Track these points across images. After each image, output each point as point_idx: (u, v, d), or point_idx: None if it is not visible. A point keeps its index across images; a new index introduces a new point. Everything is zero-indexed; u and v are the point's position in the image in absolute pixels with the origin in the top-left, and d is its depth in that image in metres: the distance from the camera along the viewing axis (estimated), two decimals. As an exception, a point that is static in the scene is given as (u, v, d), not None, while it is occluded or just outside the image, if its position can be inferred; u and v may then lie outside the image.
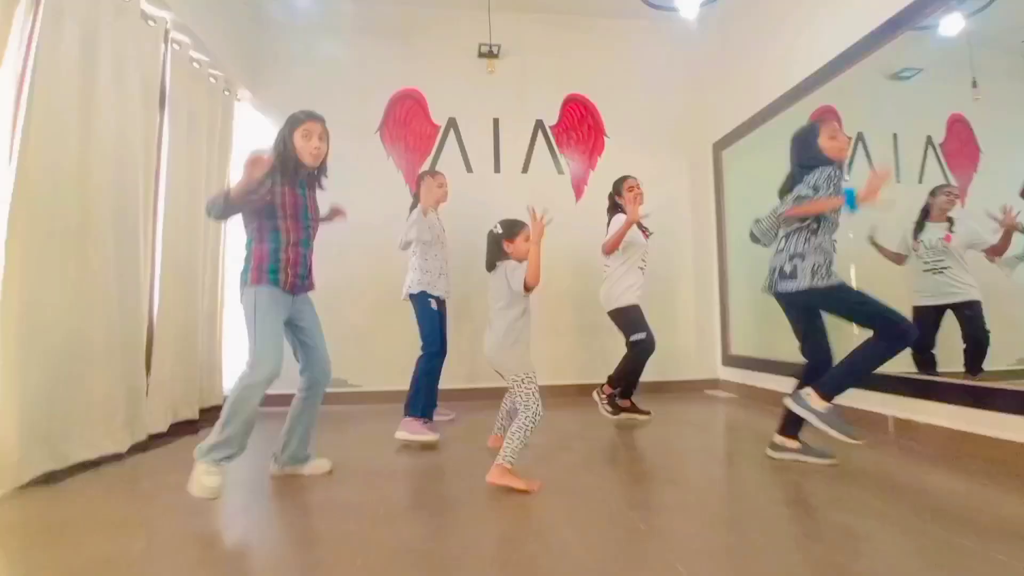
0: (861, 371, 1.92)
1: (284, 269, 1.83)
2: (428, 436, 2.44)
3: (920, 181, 2.56)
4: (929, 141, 2.60)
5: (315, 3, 3.04)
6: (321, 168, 1.97)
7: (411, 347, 2.68)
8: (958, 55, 2.39)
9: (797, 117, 3.02)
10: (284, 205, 1.84)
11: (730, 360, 3.86)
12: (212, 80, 3.23)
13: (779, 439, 2.08)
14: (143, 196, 2.55)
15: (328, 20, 3.76)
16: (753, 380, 3.57)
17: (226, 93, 3.41)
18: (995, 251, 2.24)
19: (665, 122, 4.11)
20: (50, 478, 1.93)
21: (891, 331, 1.87)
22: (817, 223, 1.97)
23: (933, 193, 2.47)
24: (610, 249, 2.84)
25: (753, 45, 3.61)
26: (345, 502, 1.72)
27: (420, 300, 2.64)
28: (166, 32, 2.78)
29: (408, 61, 3.88)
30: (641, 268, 2.91)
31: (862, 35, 2.63)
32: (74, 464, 2.05)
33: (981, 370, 2.26)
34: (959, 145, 2.52)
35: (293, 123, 1.86)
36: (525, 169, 3.95)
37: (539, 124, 3.99)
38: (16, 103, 1.93)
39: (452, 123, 3.89)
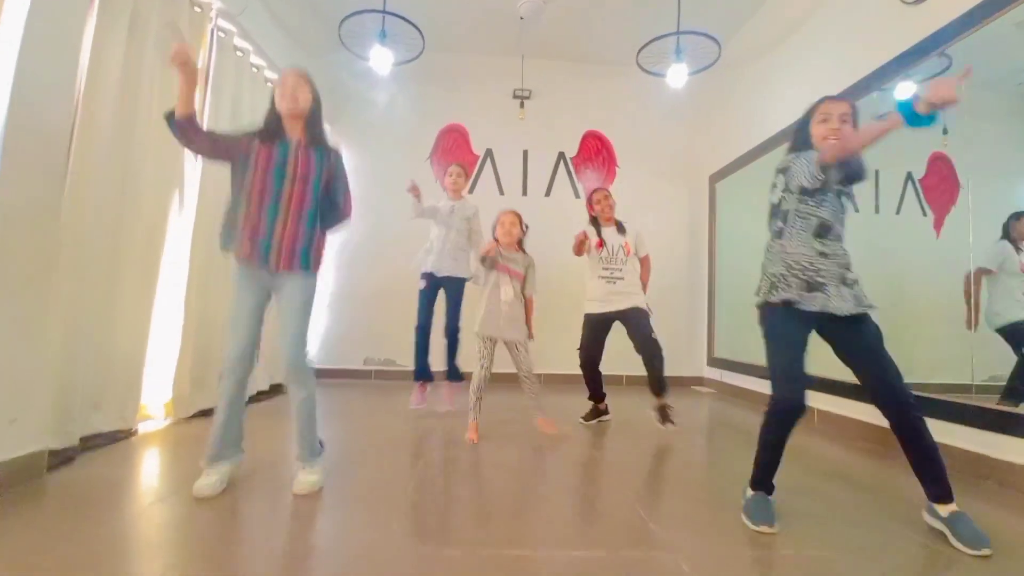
0: (759, 449, 1.61)
1: (241, 238, 1.62)
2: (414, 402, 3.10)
3: (897, 212, 2.92)
4: (909, 177, 3.07)
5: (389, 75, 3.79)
6: (313, 127, 1.72)
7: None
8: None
9: (778, 156, 3.66)
10: (257, 160, 1.63)
11: (713, 361, 4.57)
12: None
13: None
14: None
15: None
16: (731, 379, 4.27)
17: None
18: None
19: (668, 155, 4.84)
20: (204, 414, 2.83)
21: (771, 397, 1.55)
22: (783, 221, 1.62)
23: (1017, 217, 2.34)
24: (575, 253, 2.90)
25: (746, 93, 4.29)
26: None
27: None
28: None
29: (454, 101, 4.71)
30: (603, 278, 2.87)
31: (840, 90, 3.10)
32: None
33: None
34: (938, 180, 3.06)
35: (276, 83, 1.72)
36: (548, 193, 4.73)
37: (561, 155, 4.76)
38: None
39: (489, 153, 4.71)
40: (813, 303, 1.52)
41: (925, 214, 2.89)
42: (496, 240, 2.59)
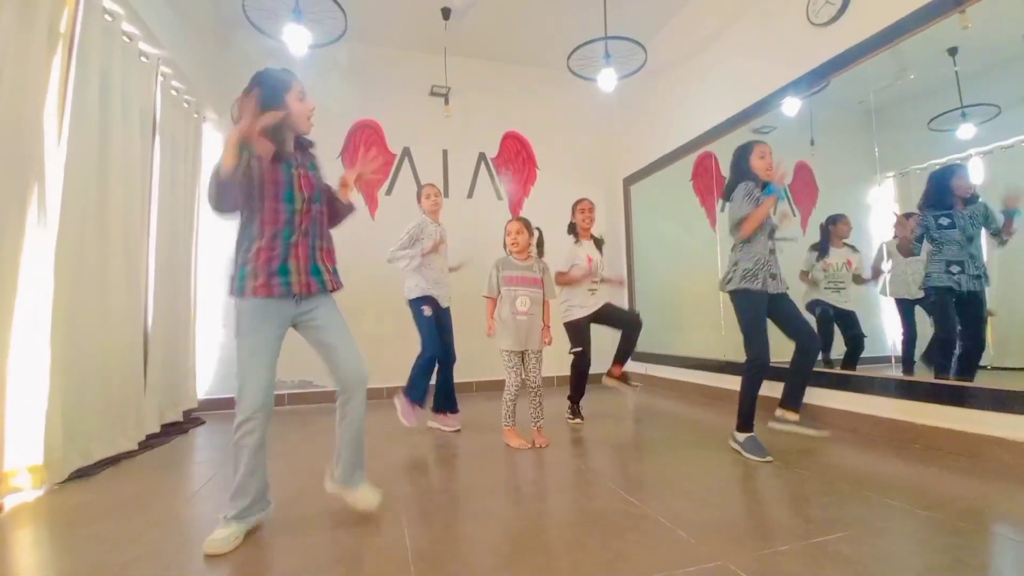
0: (741, 400, 2.22)
1: (255, 273, 1.46)
2: (409, 419, 2.79)
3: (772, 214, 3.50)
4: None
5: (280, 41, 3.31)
6: (301, 140, 1.62)
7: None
8: (803, 118, 3.21)
9: (688, 163, 3.98)
10: (263, 184, 1.47)
11: (637, 356, 4.77)
12: (186, 104, 3.46)
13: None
14: (140, 218, 2.80)
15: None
16: (655, 371, 4.49)
17: (195, 115, 3.63)
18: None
19: (585, 158, 4.96)
20: (82, 473, 2.20)
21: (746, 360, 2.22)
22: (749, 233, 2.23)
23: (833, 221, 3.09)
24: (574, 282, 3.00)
25: (658, 101, 4.54)
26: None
27: (413, 305, 2.86)
28: (157, 67, 3.02)
29: (367, 95, 4.31)
30: (590, 291, 3.02)
31: (737, 110, 3.53)
32: (99, 460, 2.32)
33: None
34: (802, 185, 3.53)
35: (282, 85, 1.51)
36: (470, 195, 4.56)
37: (482, 156, 4.62)
38: (59, 132, 2.14)
39: (407, 152, 4.40)
40: (775, 287, 2.22)
41: (795, 214, 3.40)
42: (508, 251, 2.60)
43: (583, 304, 3.00)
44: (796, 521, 1.53)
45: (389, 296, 3.77)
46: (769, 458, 2.09)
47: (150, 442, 2.74)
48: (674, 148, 4.23)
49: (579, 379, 3.04)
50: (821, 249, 3.13)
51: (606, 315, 3.07)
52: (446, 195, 4.46)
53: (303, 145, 1.61)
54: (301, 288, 1.51)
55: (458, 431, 2.90)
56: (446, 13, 3.90)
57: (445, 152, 4.51)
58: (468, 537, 1.49)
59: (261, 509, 1.55)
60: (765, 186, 2.20)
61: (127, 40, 2.70)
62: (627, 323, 3.08)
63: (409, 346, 2.94)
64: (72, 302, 2.18)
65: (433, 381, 2.94)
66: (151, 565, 1.37)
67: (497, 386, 3.30)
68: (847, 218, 3.10)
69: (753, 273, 2.19)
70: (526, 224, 2.59)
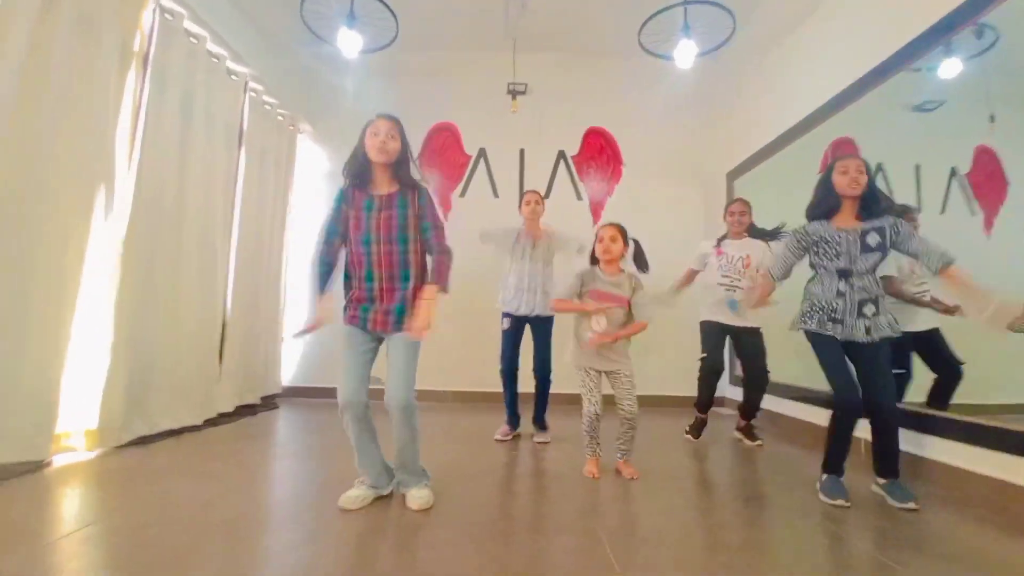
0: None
1: (349, 306, 1.70)
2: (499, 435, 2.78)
3: (942, 212, 2.53)
4: (953, 172, 2.75)
5: (362, 56, 3.47)
6: (402, 172, 1.72)
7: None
8: (976, 88, 2.37)
9: (804, 148, 3.24)
10: (349, 230, 1.68)
11: (736, 380, 4.05)
12: (280, 118, 3.84)
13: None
14: (222, 220, 3.14)
15: (376, 62, 4.31)
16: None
17: (291, 128, 4.01)
18: None
19: (678, 152, 4.38)
20: (143, 440, 2.49)
21: None
22: (813, 270, 2.04)
23: None
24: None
25: (762, 82, 3.83)
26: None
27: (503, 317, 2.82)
28: (245, 83, 3.38)
29: (444, 98, 4.36)
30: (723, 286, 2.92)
31: (856, 77, 2.80)
32: (161, 431, 2.61)
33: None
34: (984, 177, 2.67)
35: (366, 125, 1.71)
36: (547, 195, 4.32)
37: (561, 154, 4.36)
38: (130, 151, 2.50)
39: (482, 153, 4.34)
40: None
41: (973, 213, 2.51)
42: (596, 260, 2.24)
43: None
44: None
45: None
46: (844, 503, 1.80)
47: (218, 420, 3.04)
48: (785, 130, 3.49)
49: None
50: None
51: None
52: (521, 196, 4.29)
53: (404, 180, 1.72)
54: (384, 326, 1.67)
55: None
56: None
57: (522, 151, 4.35)
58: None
59: (385, 484, 1.76)
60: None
61: (215, 60, 3.05)
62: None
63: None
64: (141, 292, 2.49)
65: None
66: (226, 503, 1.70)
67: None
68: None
69: (810, 315, 2.00)
70: (622, 232, 2.19)
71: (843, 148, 3.19)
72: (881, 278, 1.99)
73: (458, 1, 3.72)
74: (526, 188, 3.78)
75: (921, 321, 2.33)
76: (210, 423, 2.96)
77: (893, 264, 2.33)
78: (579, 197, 4.35)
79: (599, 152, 4.40)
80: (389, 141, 1.67)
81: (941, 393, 2.25)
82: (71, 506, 1.69)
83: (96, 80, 2.20)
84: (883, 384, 1.88)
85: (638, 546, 1.45)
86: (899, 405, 2.06)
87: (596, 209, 4.34)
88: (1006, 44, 2.17)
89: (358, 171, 1.69)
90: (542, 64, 4.35)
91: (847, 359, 1.92)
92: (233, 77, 3.24)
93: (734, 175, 4.21)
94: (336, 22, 2.90)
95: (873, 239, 1.89)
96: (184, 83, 2.76)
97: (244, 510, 1.66)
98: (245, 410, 3.36)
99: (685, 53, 2.97)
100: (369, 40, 2.98)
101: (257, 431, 2.91)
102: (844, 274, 1.92)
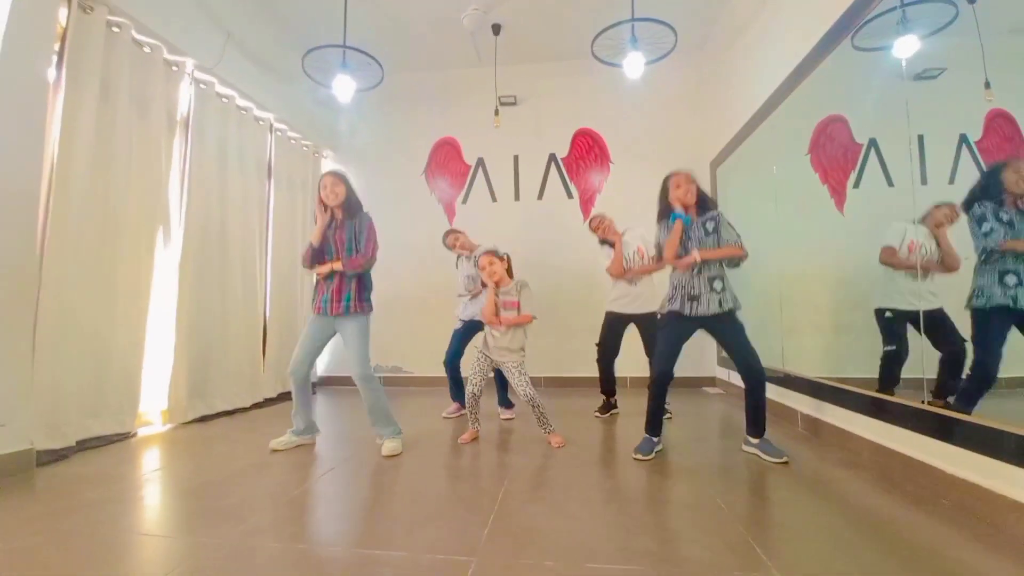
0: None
1: (314, 298, 2.50)
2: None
3: (951, 182, 2.24)
4: (963, 140, 2.64)
5: (364, 84, 4.05)
6: (349, 208, 2.46)
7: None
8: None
9: (774, 127, 3.33)
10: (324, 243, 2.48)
11: (723, 361, 4.28)
12: (304, 148, 4.52)
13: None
14: (258, 240, 3.84)
15: (383, 90, 4.88)
16: (736, 379, 3.98)
17: (315, 155, 4.69)
18: None
19: (663, 146, 4.63)
20: (204, 419, 3.21)
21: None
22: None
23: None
24: (617, 273, 3.19)
25: (727, 70, 4.01)
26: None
27: None
28: (271, 125, 4.07)
29: (445, 115, 4.88)
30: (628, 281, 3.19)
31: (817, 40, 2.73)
32: (218, 412, 3.33)
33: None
34: (1000, 141, 2.57)
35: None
36: (540, 196, 4.74)
37: (552, 157, 4.75)
38: (180, 195, 3.21)
39: (480, 162, 4.82)
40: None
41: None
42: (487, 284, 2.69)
43: (616, 295, 3.25)
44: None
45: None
46: (644, 457, 2.21)
47: (263, 403, 3.76)
48: (754, 112, 3.62)
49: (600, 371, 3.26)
50: None
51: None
52: (516, 198, 4.74)
53: (351, 212, 2.50)
54: (333, 311, 2.42)
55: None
56: (496, 29, 4.19)
57: (516, 157, 4.79)
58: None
59: (309, 435, 2.60)
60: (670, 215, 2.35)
61: (244, 112, 3.74)
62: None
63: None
64: (196, 302, 3.21)
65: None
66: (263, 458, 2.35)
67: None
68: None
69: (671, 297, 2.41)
70: (493, 254, 2.66)
71: (834, 126, 2.99)
72: (882, 248, 2.15)
73: (447, 33, 4.23)
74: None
75: (925, 303, 2.13)
76: (256, 406, 3.68)
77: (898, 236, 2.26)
78: (569, 196, 4.72)
79: (587, 151, 4.74)
80: (336, 189, 2.45)
81: (950, 371, 2.06)
82: (151, 459, 2.37)
83: (150, 145, 2.92)
84: (749, 348, 2.25)
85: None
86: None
87: (586, 206, 4.69)
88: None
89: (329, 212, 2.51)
90: (532, 73, 4.76)
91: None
92: (260, 122, 3.93)
93: (716, 163, 4.41)
94: (332, 72, 3.47)
95: (710, 226, 2.34)
96: (219, 134, 3.46)
97: (276, 460, 2.30)
98: (286, 396, 4.07)
99: (634, 63, 3.28)
100: (361, 83, 3.53)
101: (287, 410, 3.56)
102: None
